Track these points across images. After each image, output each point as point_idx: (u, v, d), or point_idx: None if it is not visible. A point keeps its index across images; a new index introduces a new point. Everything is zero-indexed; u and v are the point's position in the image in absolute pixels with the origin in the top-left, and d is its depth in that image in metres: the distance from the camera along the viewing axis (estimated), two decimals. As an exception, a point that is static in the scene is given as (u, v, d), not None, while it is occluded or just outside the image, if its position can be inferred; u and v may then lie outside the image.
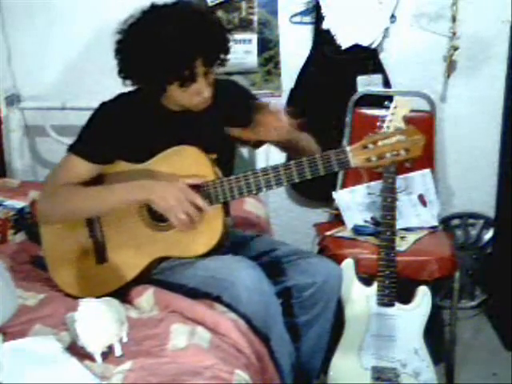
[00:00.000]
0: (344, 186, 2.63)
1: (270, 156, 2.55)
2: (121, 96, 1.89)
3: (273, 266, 1.94)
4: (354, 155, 1.70)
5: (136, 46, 1.73)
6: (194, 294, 1.83)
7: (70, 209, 1.86)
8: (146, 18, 1.74)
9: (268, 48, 2.80)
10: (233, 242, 1.99)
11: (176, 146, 1.84)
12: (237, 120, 1.92)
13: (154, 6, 1.76)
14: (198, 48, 1.71)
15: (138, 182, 1.81)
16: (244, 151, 2.74)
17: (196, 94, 1.79)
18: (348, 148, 1.72)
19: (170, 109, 1.89)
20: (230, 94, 1.98)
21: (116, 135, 1.85)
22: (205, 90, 1.79)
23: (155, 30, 1.70)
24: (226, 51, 1.80)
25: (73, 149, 1.89)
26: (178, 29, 1.69)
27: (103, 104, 1.89)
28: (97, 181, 1.89)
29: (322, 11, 2.68)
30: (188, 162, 1.82)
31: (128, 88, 1.87)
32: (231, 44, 1.81)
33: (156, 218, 1.87)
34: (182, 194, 1.75)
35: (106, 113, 1.88)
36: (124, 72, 1.79)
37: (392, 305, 2.15)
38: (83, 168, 1.86)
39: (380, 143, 1.69)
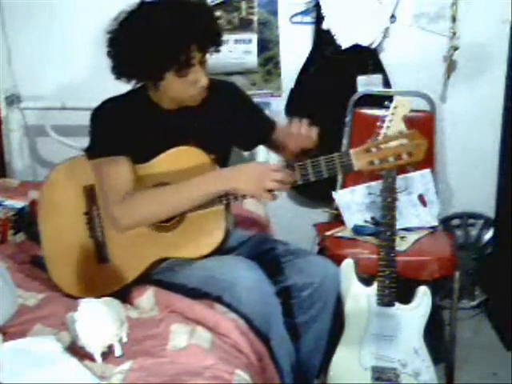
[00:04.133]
0: (344, 185, 2.63)
1: (270, 156, 2.55)
2: (108, 101, 1.88)
3: (271, 265, 1.94)
4: (357, 158, 1.71)
5: (130, 36, 1.74)
6: (194, 294, 1.83)
7: (154, 214, 1.82)
8: (137, 10, 1.76)
9: (268, 48, 2.80)
10: (233, 242, 2.00)
11: (176, 147, 1.84)
12: (235, 122, 1.94)
13: (143, 2, 1.78)
14: (191, 32, 1.72)
15: (215, 173, 1.80)
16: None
17: (193, 84, 1.80)
18: (351, 151, 1.72)
19: (166, 108, 1.89)
20: (230, 95, 2.00)
21: (119, 132, 1.84)
22: (202, 78, 1.79)
23: (148, 19, 1.72)
24: (219, 36, 1.82)
25: (96, 153, 1.85)
26: (171, 16, 1.71)
27: (95, 110, 1.87)
28: None
29: (322, 11, 2.68)
30: (189, 162, 1.82)
31: (125, 86, 1.88)
32: (222, 31, 1.84)
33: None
34: (262, 174, 1.73)
35: (102, 115, 1.88)
36: (119, 67, 1.79)
37: (392, 305, 2.15)
38: (122, 165, 1.82)
39: (383, 147, 1.69)
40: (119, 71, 1.80)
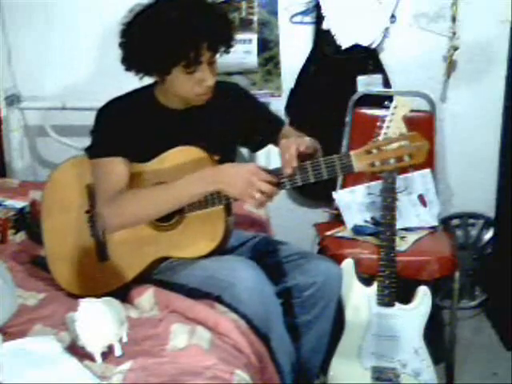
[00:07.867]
0: (344, 186, 2.63)
1: (270, 157, 2.55)
2: (114, 100, 1.90)
3: (273, 266, 1.94)
4: (358, 160, 1.70)
5: (143, 28, 1.76)
6: (194, 293, 1.83)
7: (141, 214, 1.83)
8: (153, 5, 1.78)
9: (268, 48, 2.80)
10: (233, 242, 2.00)
11: (179, 147, 1.85)
12: (242, 123, 1.94)
13: None
14: (204, 31, 1.74)
15: (203, 174, 1.78)
16: (244, 152, 2.74)
17: (199, 83, 1.80)
18: (352, 152, 1.71)
19: (171, 108, 1.90)
20: (236, 96, 2.01)
21: (123, 132, 1.85)
22: (209, 78, 1.80)
23: (163, 14, 1.74)
24: (231, 38, 1.83)
25: (96, 154, 1.87)
26: (186, 13, 1.73)
27: (101, 110, 1.89)
28: None
29: (322, 11, 2.68)
30: (191, 163, 1.82)
31: (126, 86, 1.89)
32: (235, 35, 1.85)
33: (158, 218, 1.87)
34: (251, 175, 1.72)
35: (107, 115, 1.89)
36: (129, 59, 1.81)
37: (392, 305, 2.15)
38: (118, 166, 1.84)
39: (384, 148, 1.69)
40: (129, 63, 1.82)
